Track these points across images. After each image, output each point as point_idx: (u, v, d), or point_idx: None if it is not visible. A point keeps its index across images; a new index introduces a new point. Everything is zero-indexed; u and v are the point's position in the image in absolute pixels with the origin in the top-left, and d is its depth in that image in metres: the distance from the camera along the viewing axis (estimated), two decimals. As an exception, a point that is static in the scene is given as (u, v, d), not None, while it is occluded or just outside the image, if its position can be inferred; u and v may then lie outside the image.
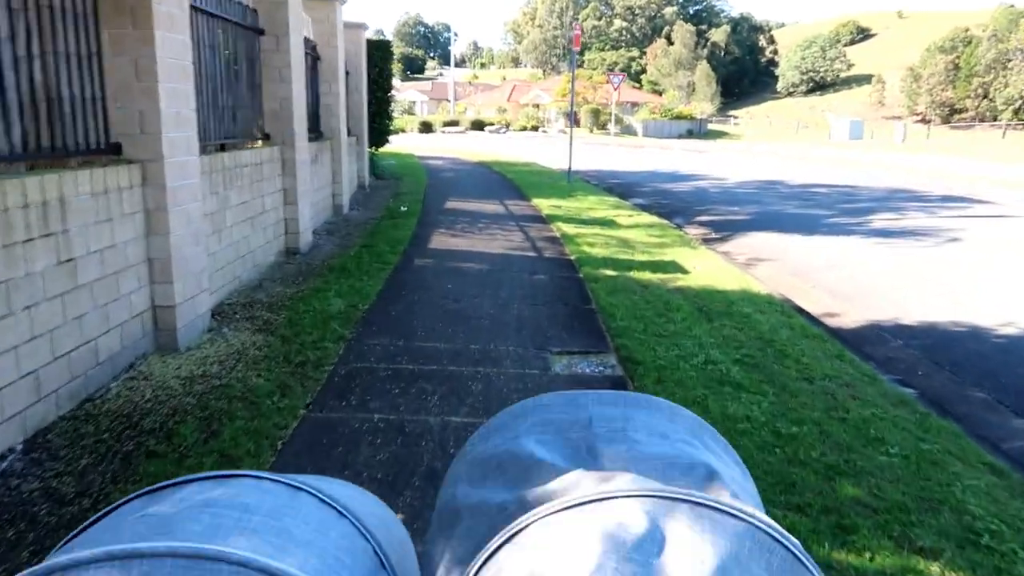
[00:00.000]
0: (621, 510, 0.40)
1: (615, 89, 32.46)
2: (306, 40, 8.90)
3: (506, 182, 15.11)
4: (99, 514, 0.47)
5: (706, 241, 9.39)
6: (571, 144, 15.12)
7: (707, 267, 7.16)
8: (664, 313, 5.43)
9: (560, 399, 0.51)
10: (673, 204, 13.08)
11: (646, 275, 6.66)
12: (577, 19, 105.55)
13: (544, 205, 11.28)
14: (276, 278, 6.33)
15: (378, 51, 13.86)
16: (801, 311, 5.97)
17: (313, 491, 0.49)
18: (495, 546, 0.42)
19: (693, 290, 6.20)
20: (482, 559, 0.42)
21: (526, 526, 0.42)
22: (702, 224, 10.89)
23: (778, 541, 0.41)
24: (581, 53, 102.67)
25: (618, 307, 5.55)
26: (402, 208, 10.36)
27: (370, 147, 14.20)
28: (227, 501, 0.46)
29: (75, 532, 0.46)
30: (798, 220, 11.22)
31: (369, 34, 13.98)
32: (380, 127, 14.31)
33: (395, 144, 32.07)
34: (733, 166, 21.85)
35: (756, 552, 0.40)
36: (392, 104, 14.93)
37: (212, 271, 5.32)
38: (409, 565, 0.53)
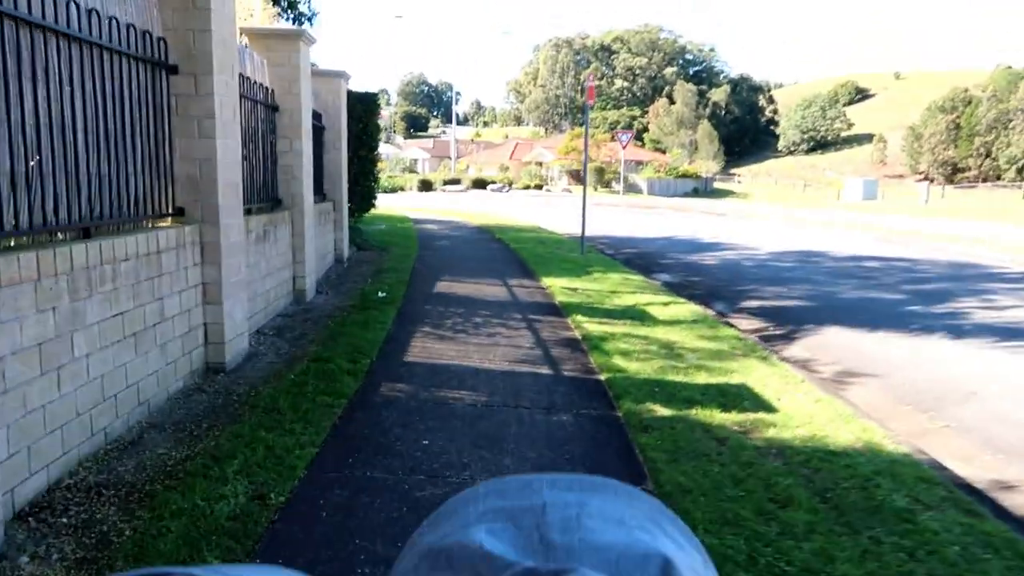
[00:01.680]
0: None
1: (623, 147, 30.89)
2: (258, 86, 6.98)
3: (509, 253, 13.10)
4: None
5: (767, 340, 7.29)
6: (584, 208, 13.16)
7: (796, 398, 5.03)
8: (770, 511, 3.30)
9: (514, 483, 0.48)
10: (707, 283, 11.03)
11: (715, 416, 4.54)
12: (579, 79, 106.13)
13: (556, 287, 9.23)
14: (169, 424, 4.21)
15: (361, 104, 12.03)
16: (978, 493, 3.81)
17: None
18: None
19: (794, 448, 4.08)
20: None
21: None
22: (752, 313, 8.82)
23: None
24: (582, 111, 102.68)
25: (692, 494, 3.42)
26: (380, 293, 8.29)
27: (353, 213, 12.24)
28: None
29: None
30: (868, 308, 9.13)
31: (369, 89, 12.18)
32: (364, 190, 12.38)
33: (390, 204, 30.25)
34: (757, 233, 19.90)
35: None
36: (378, 164, 13.04)
37: (34, 439, 3.22)
38: None
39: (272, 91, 7.64)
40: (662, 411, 4.60)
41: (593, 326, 6.99)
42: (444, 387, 5.02)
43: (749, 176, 76.20)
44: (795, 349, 7.10)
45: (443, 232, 17.38)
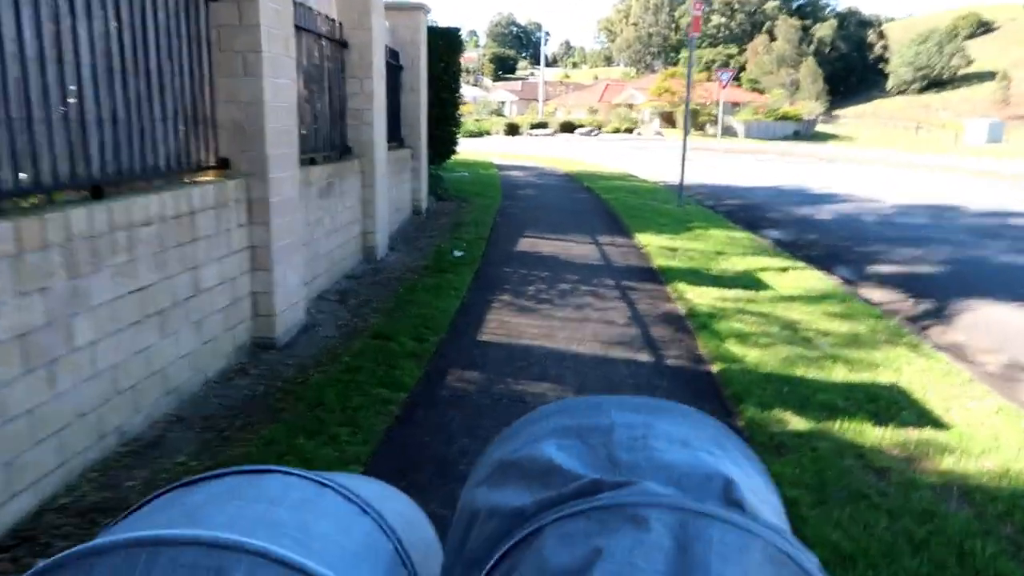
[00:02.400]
0: (634, 519, 0.40)
1: (723, 87, 28.80)
2: (320, 17, 6.17)
3: (600, 205, 12.06)
4: (142, 501, 0.50)
5: (911, 321, 6.12)
6: (684, 156, 11.92)
7: (969, 407, 3.96)
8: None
9: (583, 404, 0.49)
10: (825, 242, 9.72)
11: (867, 432, 3.54)
12: (674, 16, 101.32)
13: (653, 246, 8.21)
14: (198, 420, 3.57)
15: (443, 41, 11.09)
16: None
17: (339, 488, 0.50)
18: (508, 547, 0.43)
19: (985, 490, 3.06)
20: (496, 559, 0.43)
21: (540, 527, 0.42)
22: (883, 281, 7.57)
23: (791, 559, 0.41)
24: (676, 51, 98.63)
25: (855, 564, 2.50)
26: (456, 252, 7.50)
27: (433, 160, 11.45)
28: (254, 494, 0.48)
29: (117, 519, 0.49)
30: (1027, 277, 7.73)
31: (459, 30, 11.26)
32: (444, 136, 11.53)
33: (475, 149, 29.34)
34: (873, 182, 17.99)
35: (768, 570, 0.40)
36: (460, 107, 12.13)
37: (16, 453, 2.59)
38: (433, 564, 0.53)
39: (340, 24, 6.83)
40: (796, 423, 3.64)
41: (699, 298, 6.00)
42: (523, 377, 4.20)
43: (854, 117, 71.94)
44: (945, 330, 5.91)
45: (528, 180, 16.43)
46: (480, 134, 43.82)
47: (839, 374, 4.36)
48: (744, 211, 12.60)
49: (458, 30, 11.55)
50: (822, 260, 8.43)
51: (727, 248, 8.35)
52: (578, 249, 8.10)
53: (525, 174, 17.96)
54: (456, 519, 0.52)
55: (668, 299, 6.12)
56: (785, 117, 58.12)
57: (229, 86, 4.41)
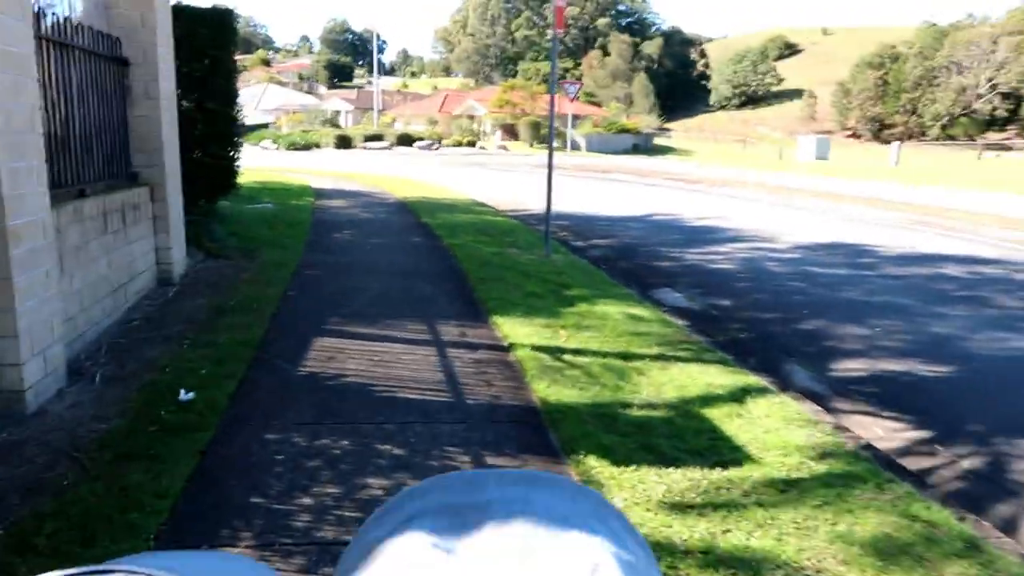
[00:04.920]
0: None
1: (571, 100, 26.77)
2: None
3: (443, 256, 8.98)
4: None
5: (965, 500, 3.55)
6: (550, 186, 9.09)
7: None
8: None
9: (460, 479, 0.48)
10: (745, 313, 7.22)
11: None
12: (510, 29, 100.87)
13: (525, 346, 5.26)
14: None
15: (205, 28, 7.60)
16: None
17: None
18: None
19: None
20: None
21: None
22: (862, 394, 5.06)
23: None
24: (514, 62, 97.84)
25: None
26: (184, 394, 4.12)
27: (198, 200, 7.90)
28: None
29: None
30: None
31: (231, 12, 7.72)
32: (215, 163, 7.99)
33: (296, 165, 25.38)
34: (749, 211, 16.19)
35: None
36: (237, 120, 8.58)
37: None
38: None
39: None
40: None
41: (641, 506, 3.09)
42: None
43: (683, 131, 74.35)
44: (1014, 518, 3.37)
45: (350, 213, 13.03)
46: (307, 147, 39.50)
47: None
48: (623, 257, 10.01)
49: (229, 13, 8.05)
50: (758, 351, 5.87)
51: (632, 342, 5.55)
52: (408, 361, 4.96)
53: (348, 203, 14.54)
54: None
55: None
56: (624, 130, 58.24)
57: None
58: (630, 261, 9.73)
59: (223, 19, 7.86)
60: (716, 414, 4.23)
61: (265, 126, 49.73)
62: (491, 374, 4.80)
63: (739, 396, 4.56)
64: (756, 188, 22.52)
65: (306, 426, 3.85)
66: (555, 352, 5.20)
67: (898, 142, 42.30)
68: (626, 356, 5.21)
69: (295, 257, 8.23)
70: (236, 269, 7.49)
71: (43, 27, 4.70)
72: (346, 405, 4.16)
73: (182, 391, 4.12)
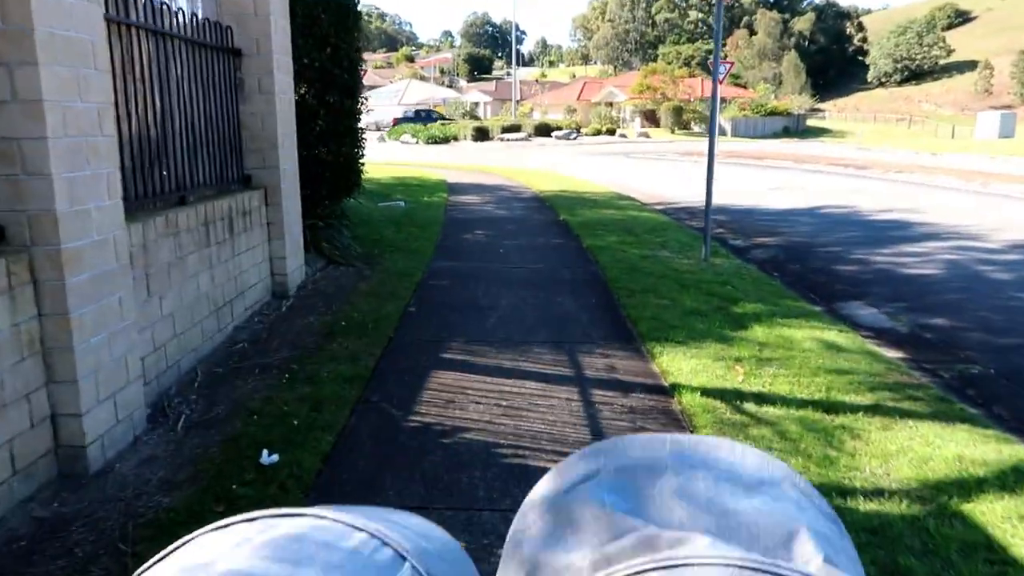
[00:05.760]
0: None
1: (721, 82, 24.72)
2: None
3: (583, 261, 7.92)
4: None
5: None
6: (710, 176, 7.80)
7: None
8: None
9: (639, 442, 0.46)
10: (974, 338, 5.65)
11: None
12: (650, 12, 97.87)
13: (695, 390, 4.12)
14: None
15: (326, 13, 6.94)
16: None
17: (373, 533, 0.46)
18: None
19: None
20: None
21: None
22: None
23: None
24: (654, 47, 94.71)
25: None
26: (265, 457, 3.32)
27: (320, 202, 7.29)
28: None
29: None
30: None
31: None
32: (339, 161, 7.35)
33: (431, 160, 25.07)
34: (932, 197, 13.98)
35: None
36: (361, 113, 7.91)
37: None
38: None
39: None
40: None
41: None
42: None
43: (836, 111, 69.32)
44: None
45: (484, 211, 12.23)
46: (445, 139, 39.58)
47: None
48: (794, 259, 8.52)
49: (352, -3, 7.37)
50: (1005, 394, 4.39)
51: (834, 385, 4.25)
52: (543, 409, 3.95)
53: (483, 199, 13.77)
54: (503, 562, 0.46)
55: None
56: (774, 112, 54.60)
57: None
58: (804, 264, 8.24)
59: (346, 3, 7.17)
60: (985, 512, 2.92)
61: (429, 114, 49.87)
62: (651, 431, 3.69)
63: (1010, 480, 3.20)
64: (939, 173, 19.73)
65: (411, 510, 2.92)
66: (732, 398, 4.01)
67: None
68: (829, 407, 3.93)
69: (420, 264, 7.45)
70: (356, 278, 6.79)
71: (131, 11, 4.06)
72: (463, 476, 3.21)
73: (264, 452, 3.32)
